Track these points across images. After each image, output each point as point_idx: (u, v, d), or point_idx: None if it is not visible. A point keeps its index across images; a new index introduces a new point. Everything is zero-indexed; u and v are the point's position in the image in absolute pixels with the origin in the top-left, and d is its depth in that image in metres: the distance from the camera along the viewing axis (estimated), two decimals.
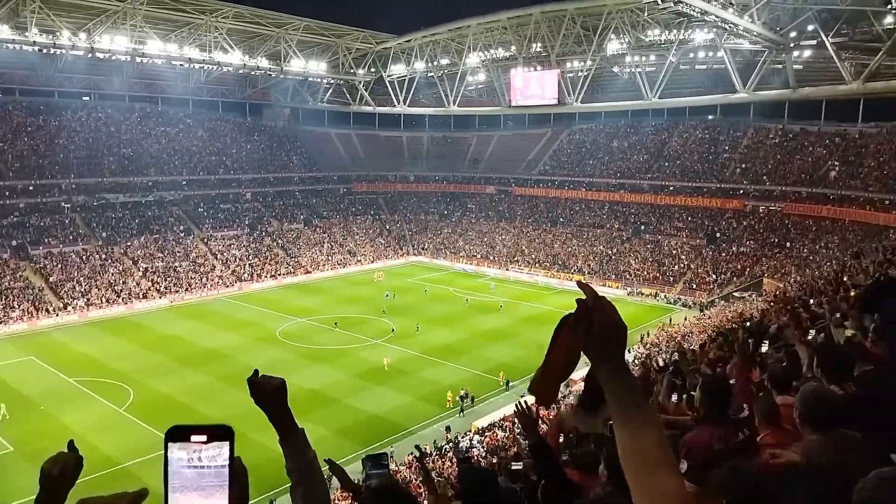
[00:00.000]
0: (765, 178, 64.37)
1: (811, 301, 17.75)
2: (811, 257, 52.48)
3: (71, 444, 1.86)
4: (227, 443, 1.45)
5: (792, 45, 51.27)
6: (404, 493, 2.06)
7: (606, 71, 69.58)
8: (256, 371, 2.13)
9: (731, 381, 6.15)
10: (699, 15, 46.45)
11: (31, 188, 60.10)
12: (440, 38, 68.83)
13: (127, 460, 26.21)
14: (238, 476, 1.48)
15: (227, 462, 1.43)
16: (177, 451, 1.42)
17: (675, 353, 18.39)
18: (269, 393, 2.08)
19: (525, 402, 4.26)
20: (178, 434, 1.44)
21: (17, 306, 48.33)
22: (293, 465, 2.02)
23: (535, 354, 39.93)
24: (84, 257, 56.76)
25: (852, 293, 16.28)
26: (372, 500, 2.07)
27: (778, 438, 3.89)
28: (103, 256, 57.76)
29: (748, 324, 19.25)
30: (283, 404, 2.08)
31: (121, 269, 57.03)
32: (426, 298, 55.98)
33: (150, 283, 56.32)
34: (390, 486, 2.15)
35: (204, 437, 1.43)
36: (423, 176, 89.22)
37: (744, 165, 67.22)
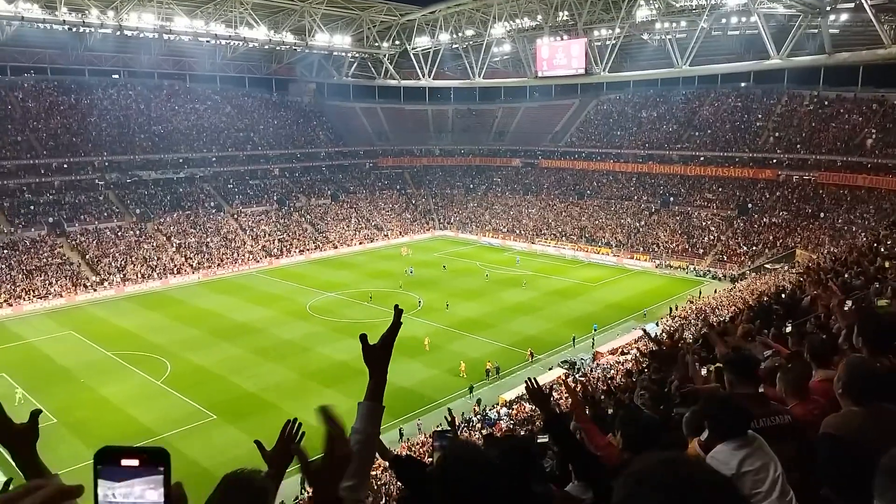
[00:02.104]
0: (799, 146, 62.73)
1: (845, 272, 17.44)
2: (846, 228, 51.29)
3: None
4: (162, 469, 1.31)
5: (828, 8, 49.44)
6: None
7: (635, 39, 67.95)
8: (364, 334, 2.28)
9: (757, 357, 6.10)
10: None
11: (65, 166, 61.43)
12: (465, 8, 67.72)
13: (166, 431, 27.10)
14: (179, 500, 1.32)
15: (161, 499, 1.30)
16: (104, 486, 1.30)
17: (704, 327, 18.25)
18: (380, 350, 2.22)
19: (534, 378, 4.29)
20: (108, 457, 1.30)
21: (55, 282, 49.80)
22: (362, 428, 2.07)
23: (561, 328, 40.08)
24: (119, 233, 58.06)
25: (887, 264, 15.95)
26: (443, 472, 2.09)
27: (806, 409, 3.87)
28: (137, 232, 59.01)
29: (783, 296, 18.95)
30: (387, 365, 2.21)
31: (154, 244, 58.25)
32: (453, 272, 56.18)
33: (182, 259, 57.48)
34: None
35: (136, 462, 1.30)
36: (449, 149, 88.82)
37: (777, 134, 65.53)
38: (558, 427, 4.01)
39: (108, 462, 1.30)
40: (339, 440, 1.77)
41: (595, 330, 39.64)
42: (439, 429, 3.70)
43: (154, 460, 1.32)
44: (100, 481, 1.29)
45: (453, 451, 2.12)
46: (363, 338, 2.20)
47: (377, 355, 2.16)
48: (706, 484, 1.07)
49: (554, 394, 27.74)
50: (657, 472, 1.10)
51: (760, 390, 4.36)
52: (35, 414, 1.97)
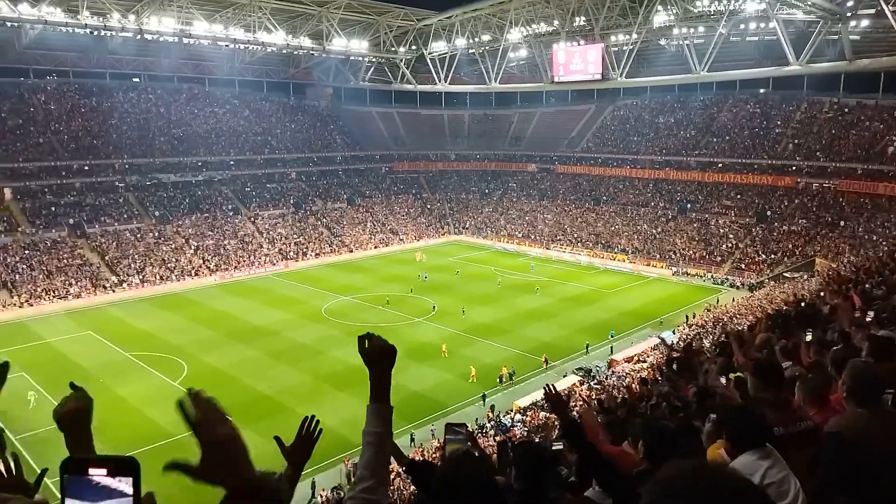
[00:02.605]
0: (818, 153, 62.02)
1: (867, 282, 17.20)
2: (866, 237, 50.58)
3: (72, 384, 1.88)
4: (131, 479, 1.26)
5: (849, 14, 48.98)
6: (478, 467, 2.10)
7: (653, 44, 67.77)
8: (370, 333, 2.17)
9: (782, 364, 6.04)
10: None
11: (86, 168, 62.30)
12: (481, 13, 67.93)
13: (181, 432, 26.96)
14: None
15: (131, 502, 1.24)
16: (72, 499, 1.24)
17: (723, 335, 18.11)
18: (381, 351, 2.10)
19: (552, 385, 4.30)
20: (75, 466, 1.25)
21: (75, 282, 50.44)
22: (374, 429, 2.07)
23: (575, 335, 39.90)
24: (138, 235, 58.73)
25: None
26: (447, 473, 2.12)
27: (825, 418, 3.85)
28: (156, 234, 59.65)
29: (802, 305, 18.73)
30: (389, 368, 2.12)
31: (173, 246, 58.84)
32: (467, 277, 56.15)
33: (200, 261, 58.00)
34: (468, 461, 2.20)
35: (104, 471, 1.25)
36: (464, 154, 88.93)
37: (796, 141, 64.85)
38: (576, 434, 4.01)
39: (76, 472, 1.25)
40: (207, 425, 1.72)
41: (612, 336, 39.47)
42: (451, 422, 3.68)
43: (123, 469, 1.26)
44: (67, 500, 1.24)
45: (455, 469, 2.13)
46: (361, 339, 2.19)
47: (372, 358, 2.15)
48: (734, 490, 1.06)
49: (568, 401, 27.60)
50: (685, 480, 1.08)
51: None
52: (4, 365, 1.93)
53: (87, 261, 53.61)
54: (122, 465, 1.27)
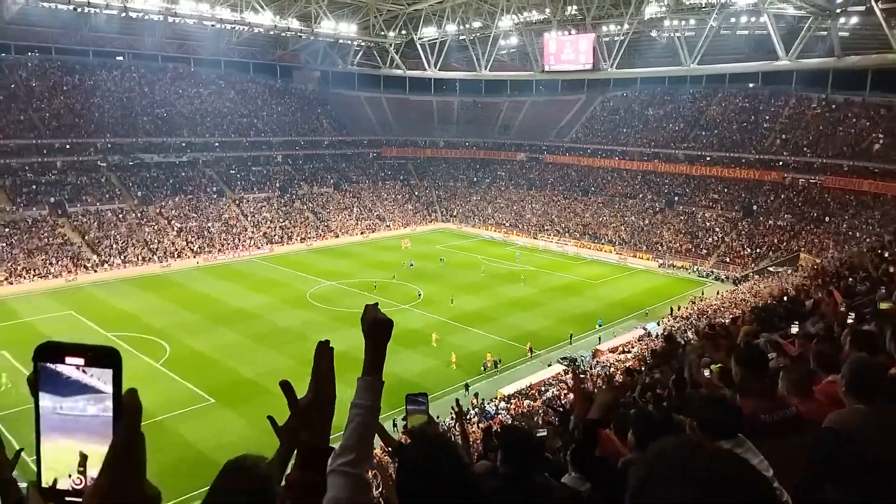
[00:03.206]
0: (805, 149, 62.49)
1: (850, 277, 17.33)
2: (850, 232, 51.13)
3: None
4: (111, 371, 1.18)
5: (838, 10, 49.20)
6: (446, 444, 2.01)
7: (644, 35, 67.69)
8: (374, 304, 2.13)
9: (768, 354, 6.01)
10: None
11: (67, 146, 61.21)
12: None
13: (164, 413, 27.04)
14: (127, 416, 1.18)
15: (108, 403, 1.16)
16: (45, 398, 1.16)
17: (707, 328, 18.20)
18: (381, 322, 2.03)
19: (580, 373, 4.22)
20: (50, 353, 1.17)
21: (56, 261, 49.72)
22: (363, 402, 1.97)
23: (560, 324, 40.02)
24: (120, 215, 57.95)
25: (892, 269, 15.85)
26: (416, 447, 2.02)
27: (809, 409, 3.84)
28: (139, 215, 58.89)
29: (785, 299, 18.89)
30: (386, 341, 2.07)
31: (156, 227, 58.14)
32: (454, 265, 56.09)
33: (184, 243, 57.39)
34: (435, 437, 2.10)
35: (81, 360, 1.17)
36: (453, 142, 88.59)
37: (784, 136, 65.26)
38: (591, 430, 3.95)
39: (50, 359, 1.16)
40: (326, 378, 1.78)
41: (600, 325, 39.70)
42: (411, 392, 3.57)
43: (102, 359, 1.17)
44: (41, 394, 1.16)
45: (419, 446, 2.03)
46: (366, 307, 2.07)
47: (371, 328, 2.03)
48: (729, 468, 1.03)
49: (553, 390, 27.71)
50: (677, 459, 1.05)
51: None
52: None
53: (68, 240, 52.84)
54: (101, 355, 1.18)
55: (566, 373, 30.77)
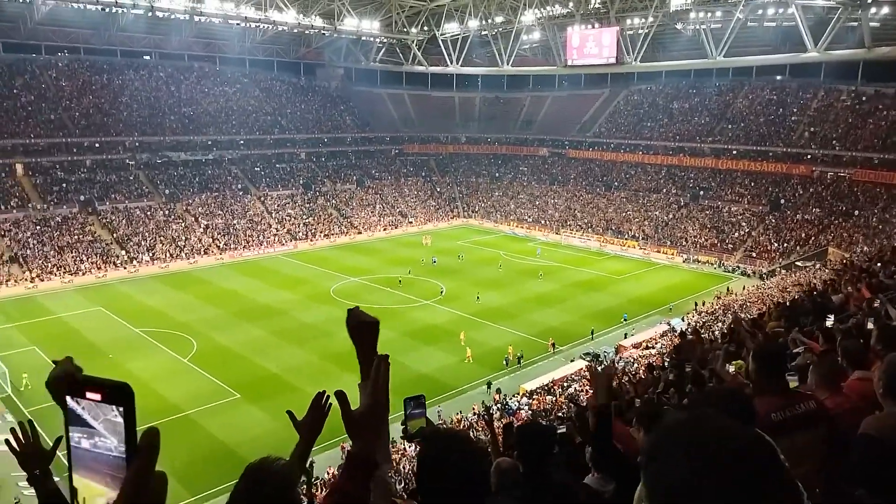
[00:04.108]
0: (834, 142, 61.18)
1: (881, 271, 16.97)
2: (880, 227, 50.00)
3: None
4: (122, 408, 1.20)
5: (869, 0, 47.94)
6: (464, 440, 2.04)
7: (668, 28, 66.75)
8: (357, 307, 2.10)
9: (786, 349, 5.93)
10: None
11: (97, 145, 62.41)
12: None
13: (191, 408, 27.52)
14: (141, 456, 1.20)
15: (120, 441, 1.19)
16: (73, 426, 1.22)
17: (732, 323, 17.95)
18: (365, 324, 2.02)
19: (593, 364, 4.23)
20: (74, 387, 1.24)
21: (86, 259, 50.76)
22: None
23: (583, 320, 39.80)
24: (148, 213, 58.94)
25: None
26: (432, 447, 2.05)
27: (837, 402, 3.80)
28: (166, 213, 59.83)
29: (814, 294, 18.54)
30: (373, 341, 2.04)
31: (183, 225, 59.02)
32: (477, 261, 56.05)
33: (210, 240, 58.19)
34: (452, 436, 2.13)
35: (99, 396, 1.22)
36: (475, 137, 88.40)
37: (812, 129, 63.98)
38: (607, 416, 3.93)
39: (74, 393, 1.22)
40: (382, 391, 1.80)
41: (625, 320, 39.49)
42: (408, 396, 3.56)
43: (114, 396, 1.20)
44: (71, 428, 1.21)
45: (435, 441, 2.07)
46: (349, 311, 2.08)
47: (354, 331, 2.04)
48: (733, 434, 1.05)
49: (575, 385, 27.60)
50: (684, 426, 1.08)
51: (795, 384, 4.26)
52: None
53: (97, 237, 53.89)
54: (114, 392, 1.21)
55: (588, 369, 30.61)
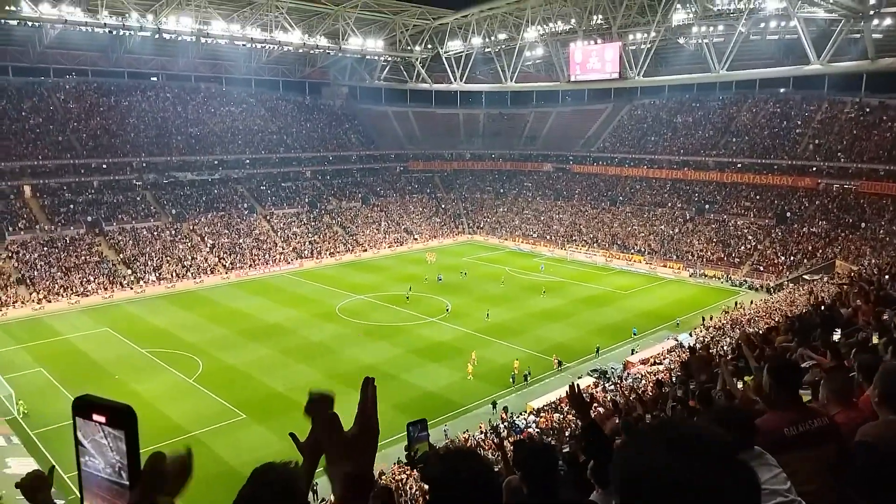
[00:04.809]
0: (839, 154, 61.08)
1: (889, 284, 16.83)
2: (888, 238, 49.71)
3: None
4: (123, 432, 1.21)
5: (871, 12, 48.11)
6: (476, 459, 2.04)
7: (671, 42, 67.13)
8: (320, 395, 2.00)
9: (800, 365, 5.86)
10: None
11: (104, 166, 62.97)
12: (498, 12, 67.67)
13: (196, 428, 27.42)
14: (144, 481, 1.21)
15: (121, 460, 1.20)
16: (82, 448, 1.23)
17: (741, 338, 17.78)
18: (318, 402, 1.92)
19: (577, 384, 4.19)
20: (83, 408, 1.24)
21: (92, 279, 50.95)
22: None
23: (590, 336, 39.59)
24: (155, 233, 59.22)
25: None
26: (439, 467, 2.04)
27: (850, 417, 3.76)
28: (173, 232, 60.12)
29: (822, 308, 18.39)
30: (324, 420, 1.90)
31: (189, 245, 59.26)
32: (481, 277, 55.96)
33: (216, 259, 58.36)
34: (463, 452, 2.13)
35: (103, 418, 1.22)
36: (479, 154, 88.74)
37: (817, 141, 63.91)
38: (596, 435, 3.89)
39: (82, 414, 1.22)
40: (372, 412, 1.82)
41: (634, 334, 39.32)
42: (412, 420, 3.53)
43: (118, 419, 1.20)
44: (80, 448, 1.23)
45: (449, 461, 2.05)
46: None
47: (314, 408, 1.97)
48: (699, 439, 1.07)
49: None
50: (652, 435, 1.11)
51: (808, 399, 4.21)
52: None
53: (104, 258, 54.14)
54: (118, 415, 1.22)
55: (596, 385, 30.39)
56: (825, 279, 43.56)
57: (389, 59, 79.42)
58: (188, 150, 69.27)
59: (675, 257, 59.98)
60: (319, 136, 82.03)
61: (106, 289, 50.50)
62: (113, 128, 66.74)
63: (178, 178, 66.81)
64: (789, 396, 3.85)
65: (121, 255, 55.05)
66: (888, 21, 49.77)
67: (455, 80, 76.58)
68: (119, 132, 66.56)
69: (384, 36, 73.67)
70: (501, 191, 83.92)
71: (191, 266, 56.26)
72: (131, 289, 51.48)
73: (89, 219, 57.70)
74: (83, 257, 53.21)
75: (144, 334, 40.57)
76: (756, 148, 67.05)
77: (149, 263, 54.93)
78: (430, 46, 76.55)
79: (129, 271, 53.52)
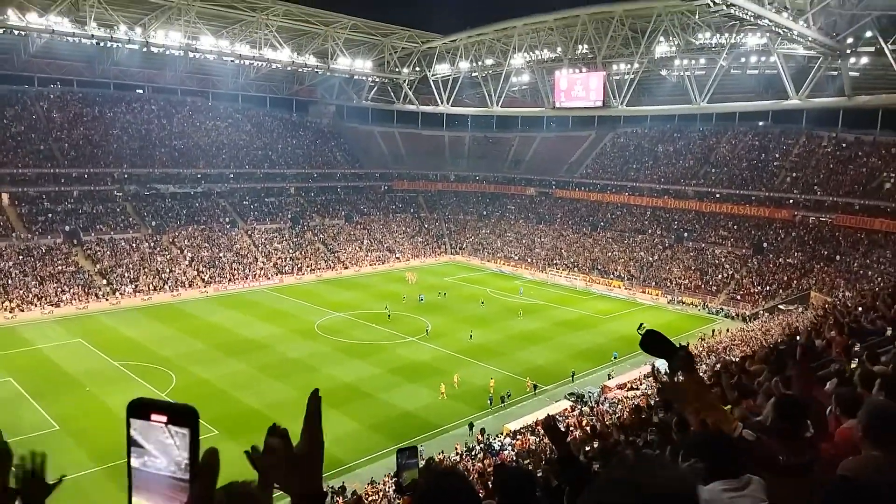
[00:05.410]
0: (816, 187, 62.41)
1: (863, 316, 17.13)
2: (861, 271, 50.67)
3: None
4: (188, 430, 1.26)
5: (848, 51, 49.52)
6: (463, 481, 2.06)
7: (654, 74, 68.41)
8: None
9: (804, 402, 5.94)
10: (752, 19, 45.18)
11: (85, 176, 62.32)
12: (486, 38, 68.65)
13: None
14: (203, 476, 1.27)
15: (185, 460, 1.25)
16: (136, 448, 1.26)
17: (718, 365, 18.00)
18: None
19: (552, 415, 4.24)
20: (140, 409, 1.27)
21: (67, 289, 50.13)
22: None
23: (568, 360, 39.69)
24: (133, 245, 58.54)
25: None
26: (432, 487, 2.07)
27: (824, 450, 3.79)
28: (152, 244, 59.47)
29: (798, 337, 18.65)
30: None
31: (168, 257, 58.63)
32: (463, 298, 55.99)
33: (195, 273, 57.76)
34: (453, 475, 2.15)
35: (164, 418, 1.26)
36: (464, 175, 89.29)
37: (794, 174, 65.29)
38: (572, 466, 3.91)
39: (138, 415, 1.26)
40: (318, 427, 1.81)
41: (615, 358, 39.50)
42: (402, 447, 3.55)
43: (181, 418, 1.25)
44: (132, 448, 1.26)
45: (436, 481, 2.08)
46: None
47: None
48: (666, 487, 1.12)
49: (560, 426, 27.34)
50: (614, 480, 1.16)
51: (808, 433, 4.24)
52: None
53: (80, 268, 53.36)
54: (179, 414, 1.26)
55: (573, 409, 30.44)
56: (801, 310, 44.22)
57: (377, 79, 79.95)
58: (171, 163, 68.84)
59: (653, 284, 60.55)
60: (305, 153, 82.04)
61: (81, 299, 49.71)
62: (96, 138, 66.20)
63: (160, 190, 66.27)
64: (790, 429, 3.88)
65: (97, 266, 54.30)
66: (865, 59, 51.25)
67: (442, 103, 77.22)
68: (102, 143, 66.02)
69: (373, 57, 74.26)
70: (485, 213, 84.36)
71: (168, 279, 55.62)
72: (107, 300, 50.73)
73: (67, 228, 56.93)
74: (59, 267, 52.40)
75: (118, 346, 39.92)
76: (735, 179, 68.29)
77: (126, 275, 54.21)
78: (417, 69, 77.26)
79: (106, 282, 52.78)
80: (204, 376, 35.27)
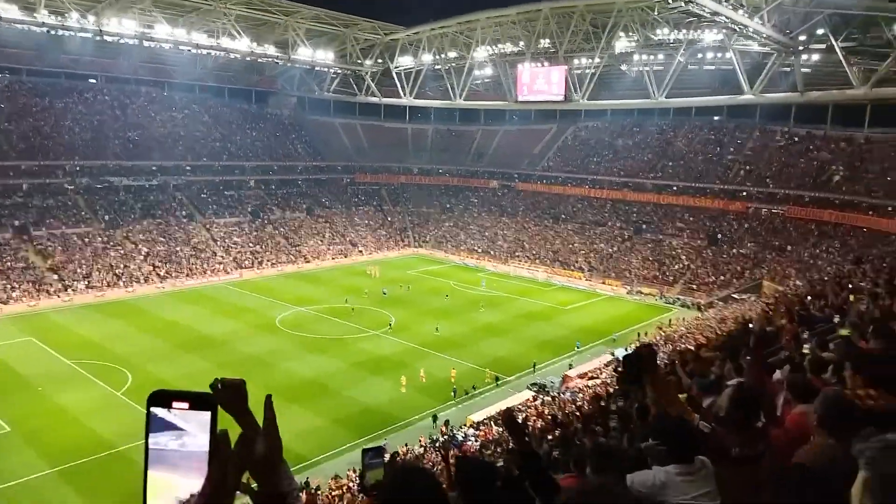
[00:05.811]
0: (768, 180, 64.25)
1: (812, 304, 17.76)
2: (812, 261, 52.44)
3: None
4: (209, 413, 1.43)
5: (801, 48, 51.04)
6: (429, 476, 2.07)
7: (614, 69, 69.24)
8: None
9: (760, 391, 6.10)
10: (709, 15, 46.22)
11: (35, 169, 60.13)
12: (448, 31, 68.50)
13: (123, 444, 26.26)
14: (220, 453, 1.43)
15: (206, 440, 1.40)
16: (156, 432, 1.40)
17: (671, 354, 18.44)
18: (231, 393, 1.86)
19: (510, 408, 4.32)
20: (161, 399, 1.42)
21: (17, 286, 48.44)
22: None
23: (530, 350, 40.13)
24: (86, 239, 56.84)
25: (852, 298, 16.30)
26: (397, 482, 2.08)
27: (775, 436, 3.89)
28: (105, 239, 57.84)
29: (751, 325, 19.22)
30: (238, 405, 1.76)
31: (122, 252, 57.11)
32: (427, 291, 56.03)
33: (151, 268, 56.41)
34: (417, 469, 2.15)
35: (186, 405, 1.42)
36: (427, 168, 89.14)
37: (748, 167, 67.09)
38: (533, 462, 3.97)
39: (160, 404, 1.41)
40: (275, 429, 1.83)
41: (578, 347, 40.17)
42: (367, 447, 3.54)
43: (202, 404, 1.43)
44: (151, 435, 1.39)
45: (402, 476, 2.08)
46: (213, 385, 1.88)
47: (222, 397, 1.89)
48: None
49: (522, 416, 27.66)
50: (585, 494, 1.14)
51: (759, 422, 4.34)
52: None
53: (31, 264, 51.60)
54: (201, 401, 1.43)
55: (535, 399, 30.84)
56: (753, 299, 45.54)
57: (339, 71, 79.08)
58: (125, 155, 66.95)
59: (613, 275, 61.59)
60: (265, 146, 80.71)
61: (31, 296, 48.09)
62: (46, 129, 63.91)
63: (114, 183, 64.39)
64: (744, 422, 3.97)
65: (49, 262, 52.57)
66: (816, 57, 52.86)
67: (404, 95, 76.83)
68: (52, 134, 63.79)
69: (335, 48, 73.37)
70: (448, 205, 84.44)
71: (123, 274, 54.20)
72: (59, 297, 49.19)
73: (16, 223, 54.91)
74: (8, 263, 50.54)
75: (71, 345, 38.78)
76: (691, 172, 69.82)
77: (78, 271, 52.63)
78: (380, 61, 76.68)
79: (57, 278, 51.16)
80: (160, 374, 34.51)
